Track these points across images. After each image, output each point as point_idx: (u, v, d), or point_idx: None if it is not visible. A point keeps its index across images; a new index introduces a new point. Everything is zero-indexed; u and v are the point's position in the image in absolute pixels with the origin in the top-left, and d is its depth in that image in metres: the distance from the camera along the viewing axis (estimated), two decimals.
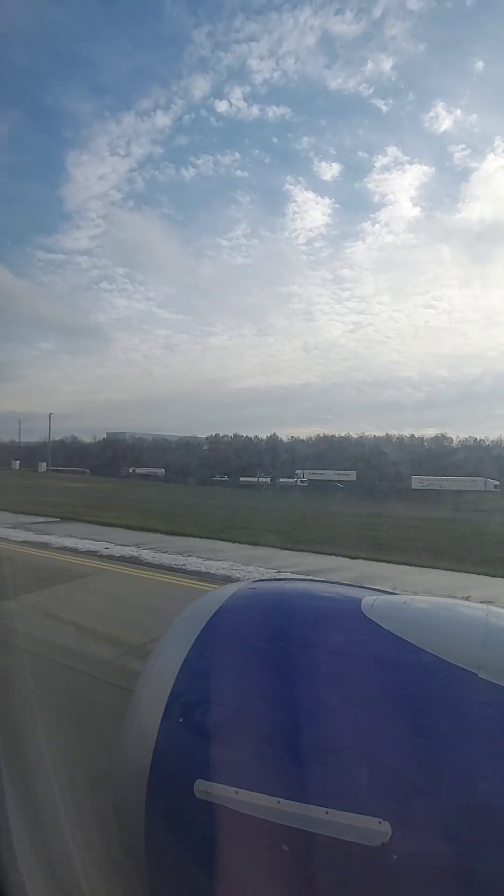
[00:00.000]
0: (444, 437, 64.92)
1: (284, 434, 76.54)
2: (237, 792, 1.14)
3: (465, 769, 1.10)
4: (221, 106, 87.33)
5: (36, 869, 1.42)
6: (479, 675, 1.20)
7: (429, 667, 1.25)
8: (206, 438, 76.46)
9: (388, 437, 66.25)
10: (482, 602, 1.75)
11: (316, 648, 1.38)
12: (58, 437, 77.60)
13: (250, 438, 74.97)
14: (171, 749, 1.26)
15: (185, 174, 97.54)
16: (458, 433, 67.90)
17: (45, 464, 66.06)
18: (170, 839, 1.23)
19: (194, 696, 1.33)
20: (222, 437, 76.91)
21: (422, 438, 65.75)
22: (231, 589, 1.69)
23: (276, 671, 1.34)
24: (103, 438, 79.50)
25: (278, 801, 1.11)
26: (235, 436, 76.94)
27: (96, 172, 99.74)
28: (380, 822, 1.04)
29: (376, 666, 1.31)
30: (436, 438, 64.83)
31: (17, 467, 66.69)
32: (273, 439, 71.67)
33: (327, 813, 1.07)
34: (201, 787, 1.17)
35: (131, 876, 1.29)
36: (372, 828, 1.04)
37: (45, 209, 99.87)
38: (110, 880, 1.39)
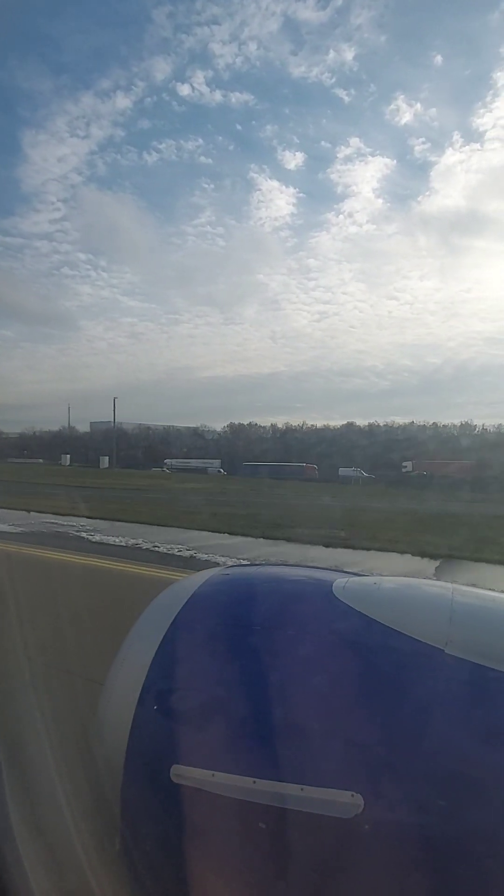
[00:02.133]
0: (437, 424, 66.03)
1: (274, 421, 75.71)
2: (213, 775, 1.15)
3: (433, 740, 1.13)
4: (184, 90, 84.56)
5: (38, 864, 1.42)
6: (446, 651, 1.23)
7: (398, 644, 1.28)
8: (228, 427, 71.25)
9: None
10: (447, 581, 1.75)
11: (289, 631, 1.39)
12: (52, 428, 72.55)
13: (265, 428, 70.05)
14: (147, 736, 1.26)
15: (148, 158, 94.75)
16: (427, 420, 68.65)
17: (107, 458, 59.17)
18: (147, 825, 1.23)
19: (169, 682, 1.32)
20: (237, 425, 71.45)
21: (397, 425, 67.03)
22: (205, 575, 1.68)
23: (250, 655, 1.35)
24: (103, 429, 72.64)
25: (254, 781, 1.12)
26: (251, 424, 71.90)
27: (55, 154, 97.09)
28: (352, 795, 1.06)
29: (348, 646, 1.33)
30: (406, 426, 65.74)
31: (69, 462, 60.20)
32: (298, 428, 69.01)
33: (302, 789, 1.09)
34: (177, 771, 1.18)
35: (131, 866, 1.27)
36: (345, 801, 1.06)
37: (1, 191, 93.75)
38: (115, 871, 1.32)
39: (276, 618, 1.45)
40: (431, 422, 66.59)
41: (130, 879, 1.27)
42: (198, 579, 1.64)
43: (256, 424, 73.06)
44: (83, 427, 76.14)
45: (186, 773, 1.17)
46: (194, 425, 73.56)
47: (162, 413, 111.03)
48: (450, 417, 77.91)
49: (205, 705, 1.27)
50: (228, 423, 73.69)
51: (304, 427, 69.58)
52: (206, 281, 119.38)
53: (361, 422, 69.14)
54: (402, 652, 1.27)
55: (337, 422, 72.36)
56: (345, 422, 69.61)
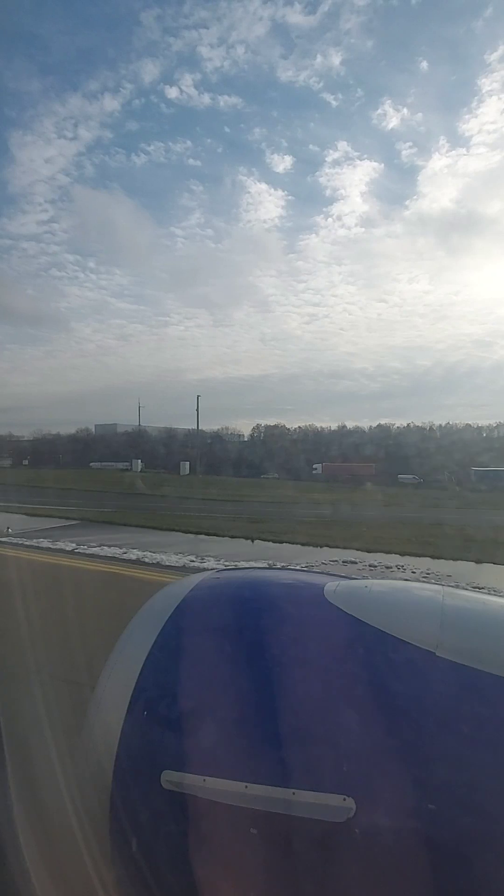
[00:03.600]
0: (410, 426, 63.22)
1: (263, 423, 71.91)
2: (204, 780, 1.14)
3: (423, 743, 1.12)
4: (172, 92, 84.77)
5: (41, 867, 1.42)
6: (436, 654, 1.22)
7: (389, 647, 1.27)
8: (256, 429, 68.46)
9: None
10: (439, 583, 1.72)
11: (280, 635, 1.37)
12: (57, 430, 68.94)
13: (291, 430, 66.75)
14: (137, 742, 1.24)
15: (136, 161, 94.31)
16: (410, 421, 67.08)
17: (187, 464, 53.64)
18: (138, 832, 1.21)
19: (159, 688, 1.31)
20: (266, 426, 68.02)
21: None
22: (195, 579, 1.65)
23: (242, 659, 1.33)
24: (126, 431, 69.53)
25: (245, 787, 1.11)
26: (277, 425, 68.73)
27: (42, 155, 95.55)
28: (344, 799, 1.06)
29: (339, 649, 1.31)
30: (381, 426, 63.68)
31: (140, 468, 55.53)
32: (343, 429, 65.37)
33: (294, 794, 1.09)
34: (168, 777, 1.17)
35: (123, 873, 1.26)
36: (337, 805, 1.06)
37: None
38: (107, 878, 1.32)
39: (268, 621, 1.43)
40: (464, 423, 65.09)
41: (123, 885, 1.26)
42: (188, 583, 1.61)
43: (283, 426, 69.94)
44: (69, 430, 73.21)
45: (177, 779, 1.16)
46: (216, 428, 70.92)
47: (155, 415, 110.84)
48: (440, 419, 74.96)
49: (196, 710, 1.25)
50: (255, 424, 71.38)
51: (339, 428, 65.97)
52: (195, 283, 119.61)
53: (401, 422, 68.04)
54: (394, 655, 1.26)
55: (364, 423, 71.04)
56: (376, 423, 67.27)
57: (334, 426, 66.89)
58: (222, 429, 70.35)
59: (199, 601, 1.51)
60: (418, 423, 64.10)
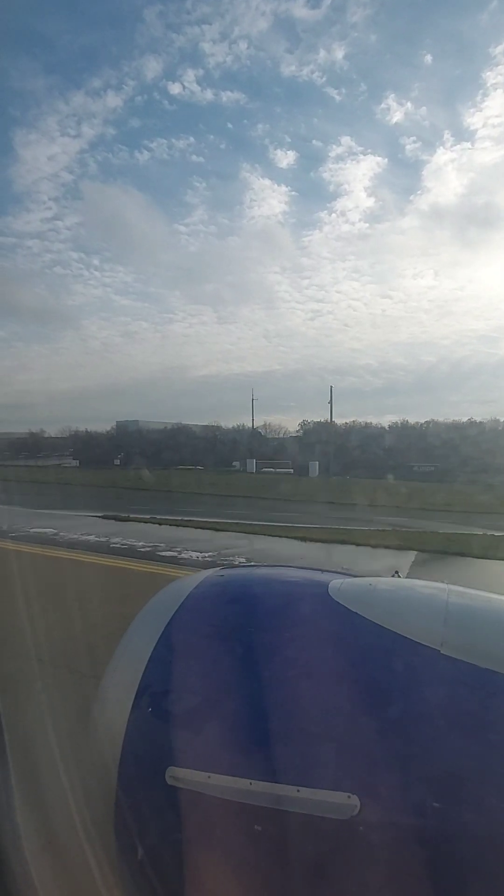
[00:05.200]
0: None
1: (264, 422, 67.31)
2: (209, 776, 1.14)
3: (428, 741, 1.12)
4: (174, 88, 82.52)
5: (43, 866, 1.41)
6: (441, 651, 1.22)
7: (394, 645, 1.27)
8: (304, 424, 62.80)
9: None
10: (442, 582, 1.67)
11: (285, 633, 1.38)
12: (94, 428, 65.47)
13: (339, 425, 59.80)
14: (142, 738, 1.24)
15: (140, 158, 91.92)
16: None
17: (317, 464, 46.89)
18: (142, 828, 1.21)
19: (164, 684, 1.31)
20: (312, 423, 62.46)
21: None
22: (200, 576, 1.66)
23: (247, 656, 1.33)
24: (161, 429, 65.29)
25: (250, 783, 1.11)
26: (324, 422, 63.41)
27: (46, 153, 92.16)
28: (349, 797, 1.06)
29: (345, 647, 1.32)
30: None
31: (253, 469, 49.87)
32: (402, 426, 58.28)
33: (298, 791, 1.08)
34: (173, 773, 1.17)
35: (126, 869, 1.26)
36: (341, 802, 1.06)
37: None
38: (110, 873, 1.32)
39: (272, 619, 1.43)
40: None
41: (126, 882, 1.25)
42: (193, 580, 1.61)
43: (332, 422, 64.48)
44: (85, 427, 70.87)
45: (182, 775, 1.16)
46: (253, 425, 65.30)
47: (158, 412, 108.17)
48: (444, 415, 69.99)
49: (200, 707, 1.26)
50: (301, 420, 65.10)
51: (391, 426, 60.11)
52: (199, 280, 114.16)
53: (443, 419, 59.81)
54: (398, 653, 1.26)
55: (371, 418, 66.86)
56: (427, 419, 59.43)
57: (386, 423, 61.36)
58: (265, 425, 65.96)
59: (203, 598, 1.52)
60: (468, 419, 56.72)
